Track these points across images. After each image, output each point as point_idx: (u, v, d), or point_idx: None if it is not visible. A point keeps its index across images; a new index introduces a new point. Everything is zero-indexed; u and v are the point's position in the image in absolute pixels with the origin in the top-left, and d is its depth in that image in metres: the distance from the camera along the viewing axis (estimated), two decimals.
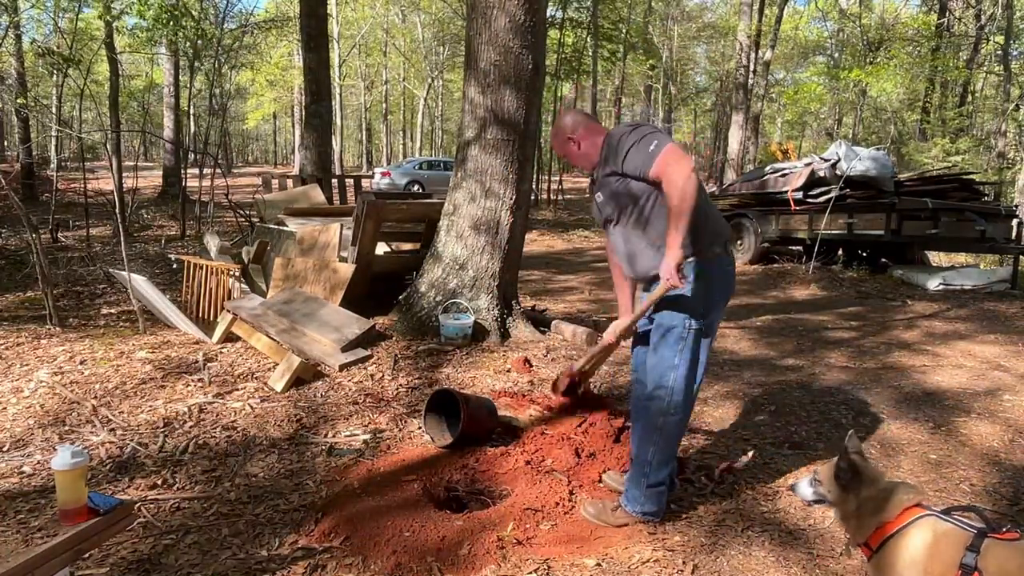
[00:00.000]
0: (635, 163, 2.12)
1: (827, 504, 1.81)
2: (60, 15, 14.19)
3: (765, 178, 9.72)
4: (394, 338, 4.33)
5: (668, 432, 2.26)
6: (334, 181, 9.67)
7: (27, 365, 3.86)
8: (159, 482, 2.64)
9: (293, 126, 36.34)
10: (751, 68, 17.92)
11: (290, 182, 7.95)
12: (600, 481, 2.64)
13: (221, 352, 4.12)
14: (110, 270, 6.66)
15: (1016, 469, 2.90)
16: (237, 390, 3.56)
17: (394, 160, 33.12)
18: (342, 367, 3.84)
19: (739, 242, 9.66)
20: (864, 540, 1.69)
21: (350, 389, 3.62)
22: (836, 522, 1.83)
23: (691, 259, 2.15)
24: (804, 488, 1.83)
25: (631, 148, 2.14)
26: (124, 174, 11.41)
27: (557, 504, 2.44)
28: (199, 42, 11.57)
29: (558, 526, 2.34)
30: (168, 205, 14.48)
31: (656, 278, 2.17)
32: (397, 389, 3.65)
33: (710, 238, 2.18)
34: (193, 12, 11.41)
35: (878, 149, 9.16)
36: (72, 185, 14.31)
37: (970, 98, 21.51)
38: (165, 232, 11.16)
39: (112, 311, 5.64)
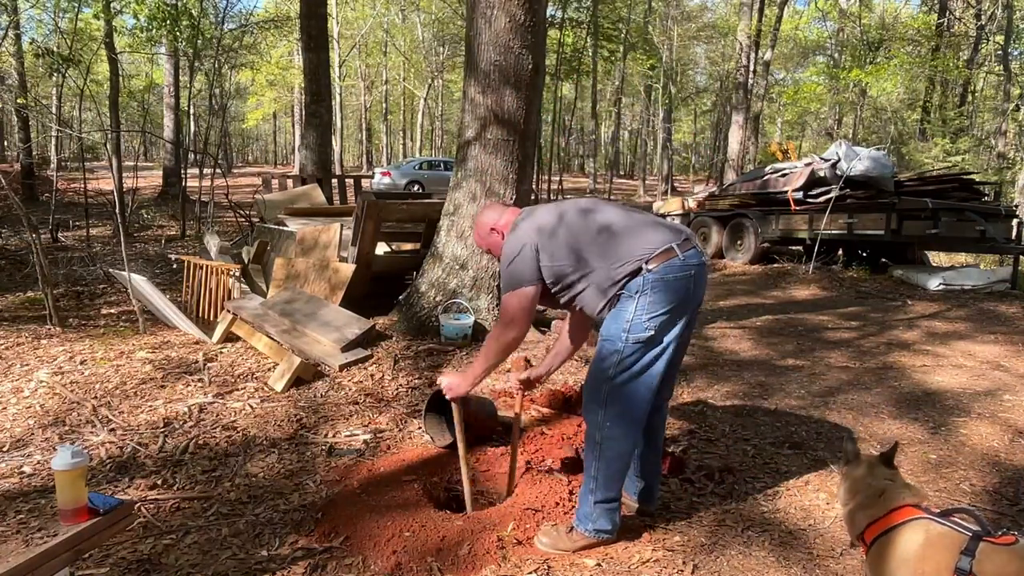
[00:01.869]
0: None
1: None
2: (60, 15, 14.20)
3: (765, 178, 9.72)
4: (394, 338, 4.33)
5: (607, 449, 2.13)
6: (334, 181, 9.68)
7: (27, 365, 3.86)
8: (159, 482, 2.64)
9: (293, 126, 36.34)
10: (751, 68, 17.91)
11: (290, 182, 7.96)
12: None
13: (221, 352, 4.12)
14: (110, 270, 6.66)
15: (1016, 469, 2.89)
16: (237, 390, 3.56)
17: (394, 160, 33.12)
18: (342, 367, 3.84)
19: (739, 242, 9.66)
20: (859, 534, 1.70)
21: (350, 389, 3.62)
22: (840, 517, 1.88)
23: (625, 288, 2.11)
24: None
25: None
26: (124, 174, 11.41)
27: (557, 504, 2.44)
28: (198, 42, 11.56)
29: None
30: (168, 205, 14.47)
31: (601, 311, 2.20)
32: (397, 389, 3.65)
33: (631, 260, 2.08)
34: (192, 11, 11.39)
35: (878, 149, 9.16)
36: (72, 185, 14.33)
37: (970, 98, 21.52)
38: (165, 232, 11.16)
39: (112, 311, 5.64)
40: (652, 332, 2.05)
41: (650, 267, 2.06)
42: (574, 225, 2.18)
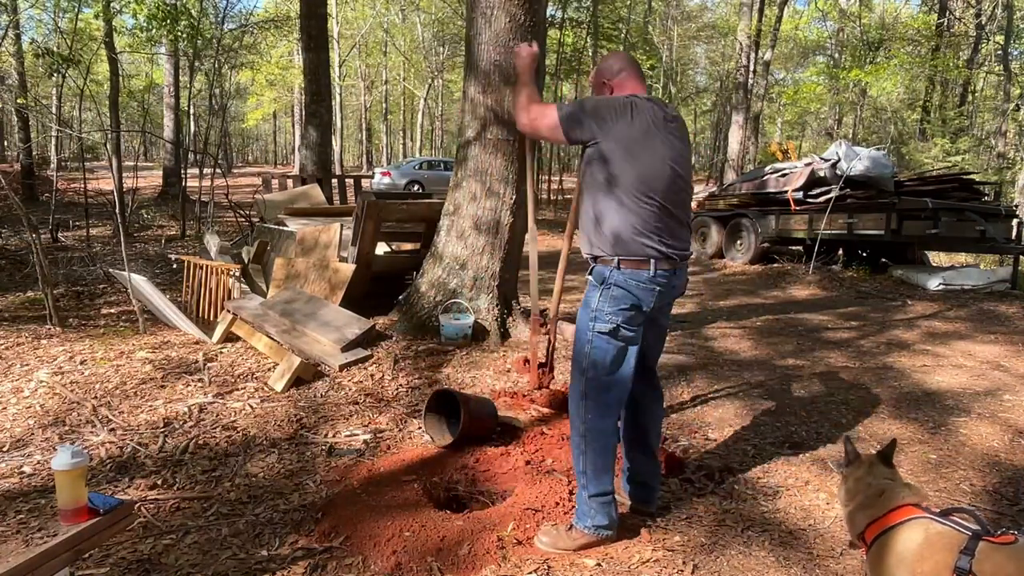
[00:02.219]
0: None
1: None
2: (60, 15, 14.20)
3: (765, 178, 9.72)
4: (394, 338, 4.33)
5: (592, 440, 2.19)
6: (334, 181, 9.67)
7: (27, 365, 3.86)
8: (159, 482, 2.64)
9: (293, 126, 36.34)
10: (751, 68, 17.91)
11: (290, 182, 7.95)
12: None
13: (221, 352, 4.12)
14: (110, 270, 6.66)
15: (1016, 469, 2.89)
16: (237, 390, 3.56)
17: (394, 160, 33.12)
18: (342, 367, 3.84)
19: (739, 242, 9.67)
20: (859, 534, 1.70)
21: (350, 389, 3.62)
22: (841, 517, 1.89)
23: (596, 263, 2.19)
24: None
25: None
26: (124, 174, 11.41)
27: (557, 504, 2.44)
28: (198, 42, 11.56)
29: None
30: (168, 205, 14.48)
31: (589, 262, 2.25)
32: (397, 389, 3.65)
33: (611, 244, 2.13)
34: (192, 11, 11.40)
35: (878, 149, 9.16)
36: (72, 185, 14.34)
37: (970, 98, 21.52)
38: (165, 232, 11.16)
39: (112, 311, 5.64)
40: (615, 324, 2.14)
41: (621, 267, 2.12)
42: (643, 167, 2.11)
